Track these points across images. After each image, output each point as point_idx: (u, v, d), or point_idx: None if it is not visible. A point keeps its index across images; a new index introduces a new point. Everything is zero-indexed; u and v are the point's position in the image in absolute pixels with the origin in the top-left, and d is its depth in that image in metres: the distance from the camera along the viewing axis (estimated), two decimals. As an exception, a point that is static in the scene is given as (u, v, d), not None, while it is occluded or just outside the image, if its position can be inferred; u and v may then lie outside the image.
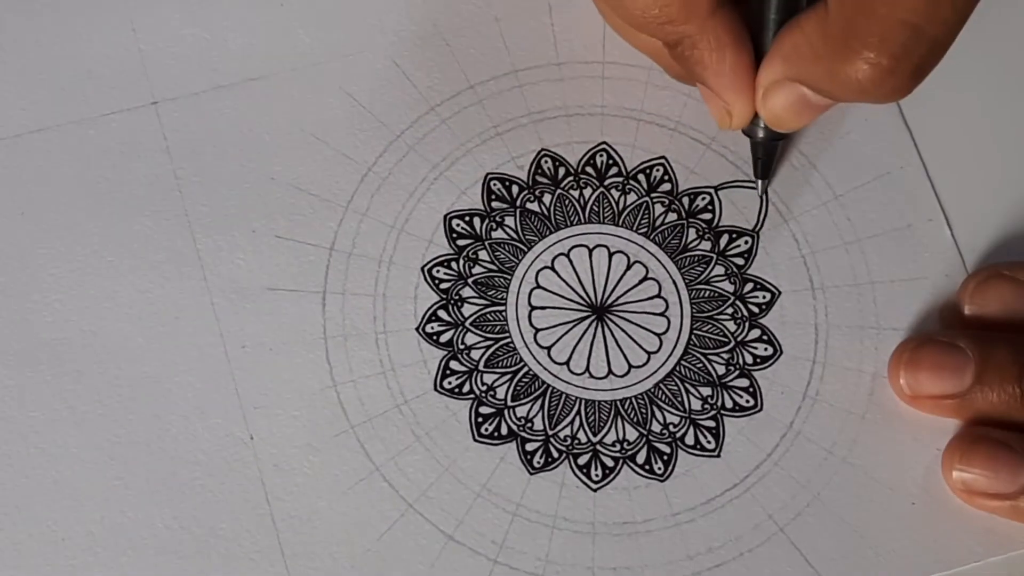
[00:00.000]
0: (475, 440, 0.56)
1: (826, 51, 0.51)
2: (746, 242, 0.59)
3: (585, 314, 0.58)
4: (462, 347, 0.57)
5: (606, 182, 0.59)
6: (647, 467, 0.56)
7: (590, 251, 0.58)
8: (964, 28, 0.49)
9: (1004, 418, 0.56)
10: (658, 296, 0.58)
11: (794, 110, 0.54)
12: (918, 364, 0.56)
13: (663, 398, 0.57)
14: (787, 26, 0.53)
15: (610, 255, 0.58)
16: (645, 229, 0.59)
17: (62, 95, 0.58)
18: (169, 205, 0.58)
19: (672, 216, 0.59)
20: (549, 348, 0.57)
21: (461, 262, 0.58)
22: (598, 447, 0.56)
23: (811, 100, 0.54)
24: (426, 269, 0.58)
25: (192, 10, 0.60)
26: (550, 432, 0.56)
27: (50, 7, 0.59)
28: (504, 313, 0.57)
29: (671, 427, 0.56)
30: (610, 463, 0.56)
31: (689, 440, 0.56)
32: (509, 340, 0.57)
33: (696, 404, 0.57)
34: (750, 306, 0.58)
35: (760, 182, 0.59)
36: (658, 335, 0.58)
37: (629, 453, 0.56)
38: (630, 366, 0.57)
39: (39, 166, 0.58)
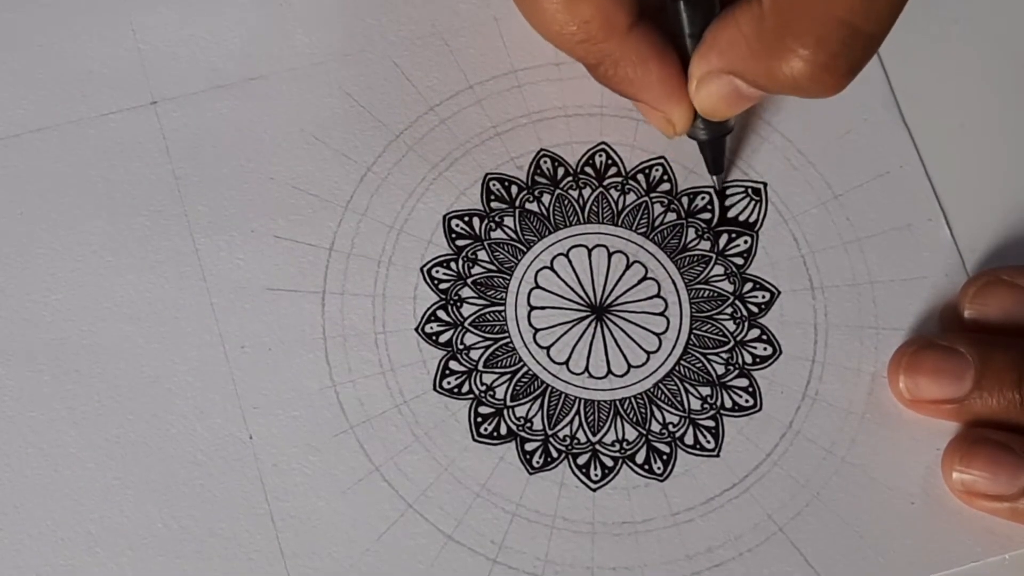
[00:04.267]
0: (474, 440, 0.56)
1: (762, 48, 0.52)
2: (745, 242, 0.59)
3: (584, 314, 0.58)
4: (461, 347, 0.57)
5: (605, 182, 0.59)
6: (646, 467, 0.56)
7: (589, 251, 0.58)
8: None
9: (1003, 423, 0.56)
10: (657, 296, 0.58)
11: (727, 101, 0.55)
12: (917, 368, 0.56)
13: (662, 398, 0.57)
14: (721, 19, 0.53)
15: (609, 255, 0.58)
16: (644, 229, 0.59)
17: (61, 95, 0.58)
18: (168, 205, 0.58)
19: (671, 216, 0.59)
20: (548, 348, 0.57)
21: (460, 262, 0.58)
22: (597, 447, 0.56)
23: (744, 91, 0.54)
24: (425, 269, 0.58)
25: (191, 10, 0.60)
26: (549, 432, 0.56)
27: (49, 6, 0.59)
28: (503, 313, 0.57)
29: (670, 427, 0.56)
30: (609, 463, 0.56)
31: (688, 440, 0.56)
32: (508, 340, 0.57)
33: (695, 404, 0.57)
34: (749, 306, 0.58)
35: (715, 177, 0.59)
36: (657, 335, 0.57)
37: (628, 453, 0.56)
38: (629, 366, 0.57)
39: (38, 166, 0.58)
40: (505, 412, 0.56)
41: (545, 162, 0.59)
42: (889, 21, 0.51)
